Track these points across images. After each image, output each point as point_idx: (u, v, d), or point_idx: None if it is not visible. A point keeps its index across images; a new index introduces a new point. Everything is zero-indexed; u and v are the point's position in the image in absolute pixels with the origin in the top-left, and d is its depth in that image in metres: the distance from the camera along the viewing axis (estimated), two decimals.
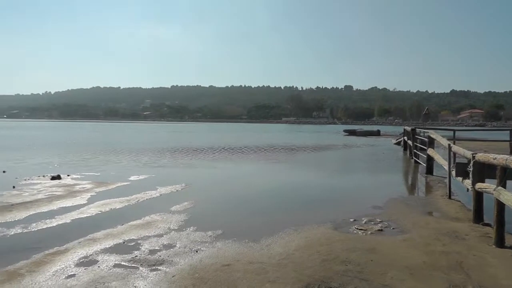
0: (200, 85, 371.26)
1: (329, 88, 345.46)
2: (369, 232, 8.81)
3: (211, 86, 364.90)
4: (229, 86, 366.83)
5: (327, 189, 15.44)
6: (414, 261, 6.95)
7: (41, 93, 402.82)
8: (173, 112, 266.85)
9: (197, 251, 7.53)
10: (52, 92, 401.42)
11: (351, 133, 68.24)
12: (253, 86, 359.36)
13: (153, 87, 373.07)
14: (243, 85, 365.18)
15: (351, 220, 9.85)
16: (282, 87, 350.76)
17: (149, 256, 7.27)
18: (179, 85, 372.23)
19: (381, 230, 9.03)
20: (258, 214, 10.85)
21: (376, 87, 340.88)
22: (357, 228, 9.12)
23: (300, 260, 7.01)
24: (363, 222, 9.69)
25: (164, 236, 8.54)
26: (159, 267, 6.73)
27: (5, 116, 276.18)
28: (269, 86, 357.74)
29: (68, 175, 17.29)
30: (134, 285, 6.04)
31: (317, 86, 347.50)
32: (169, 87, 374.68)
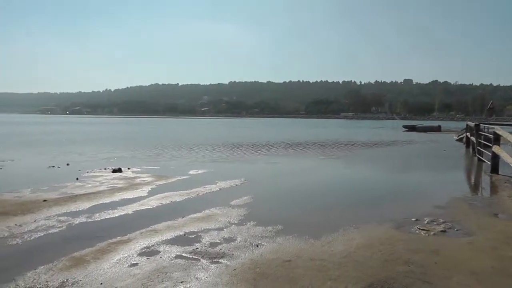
0: (258, 81, 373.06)
1: (388, 82, 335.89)
2: (432, 233, 8.48)
3: (268, 82, 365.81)
4: (287, 81, 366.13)
5: (386, 186, 15.06)
6: (481, 266, 6.58)
7: (101, 91, 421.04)
8: (230, 108, 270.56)
9: (257, 246, 7.56)
10: (112, 90, 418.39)
11: (411, 128, 66.55)
12: (311, 81, 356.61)
13: (211, 84, 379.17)
14: (300, 80, 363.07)
15: (413, 219, 9.54)
16: (340, 82, 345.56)
17: (210, 248, 7.38)
18: (237, 81, 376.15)
19: (444, 231, 8.65)
20: (317, 210, 10.76)
21: (437, 80, 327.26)
22: (420, 228, 8.80)
23: (362, 259, 6.86)
24: (425, 222, 9.35)
25: (225, 229, 8.64)
26: (220, 260, 6.82)
27: (67, 112, 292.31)
28: (327, 81, 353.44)
29: (129, 168, 17.98)
30: (196, 276, 6.15)
31: (376, 80, 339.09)
32: (227, 83, 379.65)
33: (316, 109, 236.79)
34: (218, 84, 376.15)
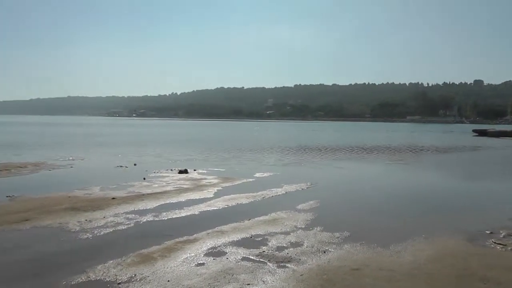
0: (323, 84, 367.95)
1: (457, 83, 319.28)
2: (509, 248, 7.94)
3: (334, 85, 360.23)
4: (352, 84, 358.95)
5: (457, 195, 14.38)
6: None
7: (167, 94, 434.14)
8: (295, 111, 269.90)
9: (324, 252, 7.44)
10: (178, 93, 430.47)
11: (482, 133, 63.07)
12: (376, 84, 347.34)
13: (276, 87, 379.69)
14: (366, 83, 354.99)
15: (487, 232, 8.99)
16: (407, 84, 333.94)
17: (277, 252, 7.34)
18: (302, 84, 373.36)
19: None
20: (384, 217, 10.46)
21: (510, 81, 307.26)
22: (495, 242, 8.25)
23: (433, 272, 6.55)
24: (501, 235, 8.76)
25: (291, 234, 8.58)
26: (287, 264, 6.77)
27: (134, 115, 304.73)
28: (393, 82, 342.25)
29: (195, 170, 18.40)
30: (263, 279, 6.13)
31: (444, 82, 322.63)
32: (292, 86, 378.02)
33: (381, 112, 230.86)
34: (283, 87, 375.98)
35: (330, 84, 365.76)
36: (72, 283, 6.10)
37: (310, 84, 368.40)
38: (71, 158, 23.66)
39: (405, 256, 7.35)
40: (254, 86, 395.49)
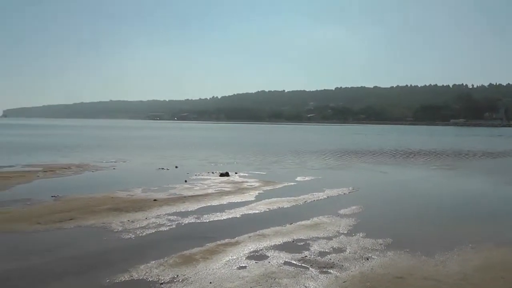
0: (364, 86, 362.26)
1: (504, 84, 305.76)
2: None
3: (375, 87, 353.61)
4: (394, 86, 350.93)
5: (505, 202, 13.83)
6: None
7: (208, 98, 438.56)
8: (336, 114, 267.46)
9: (367, 259, 7.32)
10: (219, 97, 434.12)
11: None
12: (419, 86, 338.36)
13: (317, 90, 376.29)
14: (408, 85, 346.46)
15: None
16: (451, 85, 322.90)
17: (319, 258, 7.29)
18: (342, 86, 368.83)
19: None
20: (429, 224, 10.20)
21: None
22: None
23: (482, 284, 6.32)
24: None
25: (333, 239, 8.50)
26: (329, 270, 6.70)
27: (175, 118, 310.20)
28: (436, 84, 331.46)
29: (236, 173, 18.52)
30: (305, 285, 6.11)
31: (490, 83, 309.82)
32: (333, 89, 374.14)
33: (424, 115, 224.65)
34: (324, 90, 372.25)
35: (372, 86, 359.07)
36: (115, 281, 6.26)
37: (351, 87, 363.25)
38: (113, 160, 24.27)
39: (451, 266, 7.13)
40: (294, 89, 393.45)
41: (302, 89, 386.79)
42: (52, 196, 12.95)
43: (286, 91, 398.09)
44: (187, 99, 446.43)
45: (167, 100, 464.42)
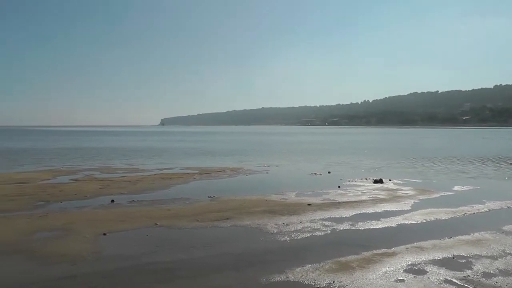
0: None
1: None
2: None
3: None
4: None
5: None
6: None
7: (359, 102, 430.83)
8: (495, 116, 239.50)
9: None
10: (370, 101, 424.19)
11: None
12: None
13: (473, 89, 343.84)
14: None
15: None
16: None
17: (483, 279, 6.57)
18: (503, 84, 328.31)
19: None
20: None
21: None
22: None
23: None
24: None
25: (499, 259, 7.60)
26: None
27: (326, 123, 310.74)
28: None
29: (390, 180, 17.90)
30: None
31: None
32: (492, 87, 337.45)
33: None
34: (481, 89, 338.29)
35: None
36: (271, 281, 6.45)
37: None
38: (266, 164, 25.12)
39: None
40: (449, 89, 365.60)
41: (457, 89, 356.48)
42: (208, 197, 13.91)
43: (440, 91, 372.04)
44: (338, 104, 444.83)
45: (317, 105, 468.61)
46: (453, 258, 7.60)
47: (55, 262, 7.35)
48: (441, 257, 7.63)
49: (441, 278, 6.56)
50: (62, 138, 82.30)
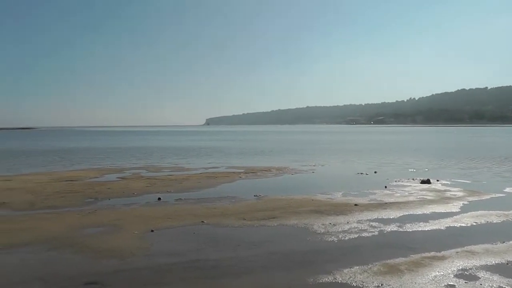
0: None
1: None
2: None
3: None
4: None
5: None
6: None
7: (405, 100, 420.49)
8: None
9: None
10: (416, 98, 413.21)
11: None
12: None
13: None
14: None
15: None
16: None
17: None
18: None
19: None
20: None
21: None
22: None
23: None
24: None
25: None
26: None
27: (371, 122, 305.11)
28: None
29: (438, 180, 17.33)
30: None
31: None
32: None
33: None
34: None
35: None
36: (319, 281, 6.39)
37: None
38: (312, 164, 24.90)
39: None
40: (499, 85, 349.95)
41: (508, 85, 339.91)
42: (254, 196, 13.92)
43: (489, 88, 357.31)
44: (384, 102, 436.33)
45: (363, 104, 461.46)
46: (507, 264, 7.24)
47: (105, 256, 7.61)
48: (494, 262, 7.29)
49: (494, 285, 6.25)
50: (112, 138, 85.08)
